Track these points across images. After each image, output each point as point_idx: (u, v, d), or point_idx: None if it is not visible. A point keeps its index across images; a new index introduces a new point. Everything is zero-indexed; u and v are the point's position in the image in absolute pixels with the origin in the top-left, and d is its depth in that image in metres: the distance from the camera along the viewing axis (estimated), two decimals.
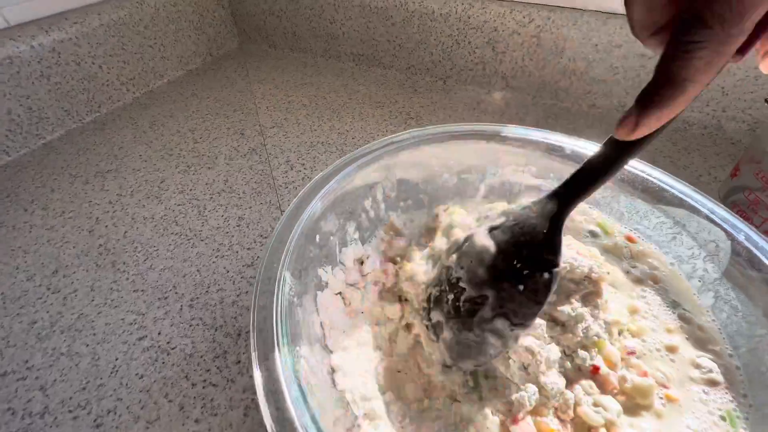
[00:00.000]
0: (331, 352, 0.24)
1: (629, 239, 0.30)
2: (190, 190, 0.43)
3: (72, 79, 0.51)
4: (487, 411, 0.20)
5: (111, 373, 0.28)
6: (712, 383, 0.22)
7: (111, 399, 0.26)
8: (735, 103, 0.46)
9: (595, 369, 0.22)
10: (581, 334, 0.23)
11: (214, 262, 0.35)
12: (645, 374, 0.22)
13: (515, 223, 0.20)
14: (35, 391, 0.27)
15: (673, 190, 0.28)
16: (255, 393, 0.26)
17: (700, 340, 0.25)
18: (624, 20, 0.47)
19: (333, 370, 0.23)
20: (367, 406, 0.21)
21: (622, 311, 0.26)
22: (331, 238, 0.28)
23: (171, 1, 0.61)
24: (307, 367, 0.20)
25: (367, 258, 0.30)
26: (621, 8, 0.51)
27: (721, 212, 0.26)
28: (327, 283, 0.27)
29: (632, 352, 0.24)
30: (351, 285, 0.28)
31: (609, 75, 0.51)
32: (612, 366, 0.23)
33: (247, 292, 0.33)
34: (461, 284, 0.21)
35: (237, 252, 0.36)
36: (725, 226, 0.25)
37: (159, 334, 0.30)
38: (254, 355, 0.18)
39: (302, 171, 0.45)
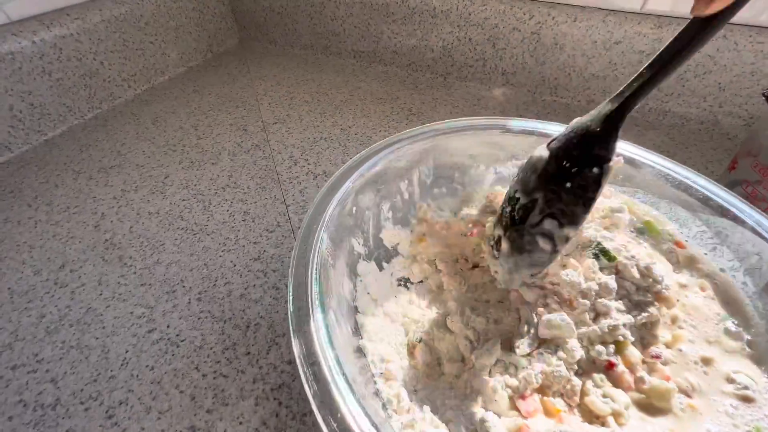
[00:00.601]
0: (357, 312, 0.26)
1: (678, 245, 0.27)
2: (195, 185, 0.43)
3: (73, 75, 0.51)
4: (497, 384, 0.21)
5: (121, 365, 0.28)
6: (746, 399, 0.21)
7: (122, 390, 0.27)
8: (731, 99, 0.47)
9: (610, 365, 0.22)
10: (605, 330, 0.22)
11: (220, 256, 0.35)
12: (667, 379, 0.21)
13: (571, 131, 0.20)
14: (46, 384, 0.27)
15: (717, 199, 0.27)
16: (265, 384, 0.26)
17: (745, 355, 0.23)
18: (623, 17, 0.47)
19: (357, 330, 0.24)
20: (384, 367, 0.22)
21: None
22: (366, 212, 0.29)
23: None
24: (334, 318, 0.21)
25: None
26: (621, 5, 0.52)
27: (767, 224, 0.24)
28: (359, 254, 0.28)
29: (657, 356, 0.22)
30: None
31: (608, 71, 0.51)
32: (630, 366, 0.22)
33: (254, 285, 0.33)
34: (516, 195, 0.21)
35: (243, 246, 0.36)
36: None
37: (168, 326, 0.30)
38: (290, 298, 0.20)
39: (306, 166, 0.45)
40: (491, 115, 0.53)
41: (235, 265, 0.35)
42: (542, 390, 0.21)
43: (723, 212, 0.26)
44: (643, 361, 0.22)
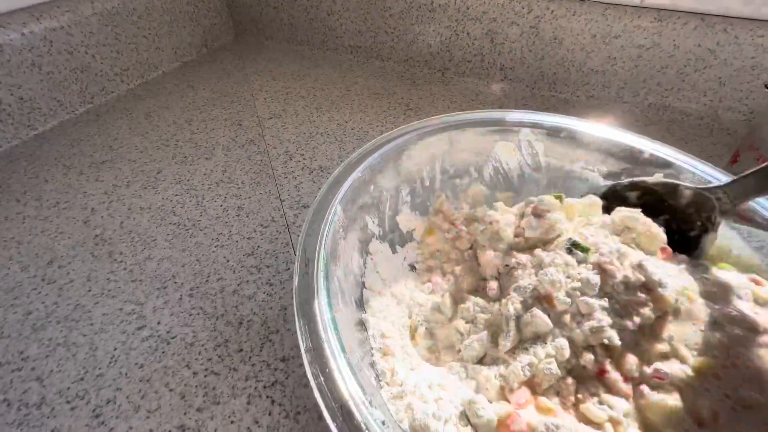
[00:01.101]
0: (365, 287, 0.26)
1: (755, 282, 0.23)
2: (188, 180, 0.42)
3: (64, 69, 0.50)
4: (490, 373, 0.20)
5: (110, 363, 0.27)
6: None
7: (110, 389, 0.26)
8: (732, 94, 0.47)
9: (601, 372, 0.20)
10: (588, 332, 0.20)
11: (213, 252, 0.35)
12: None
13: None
14: (31, 382, 0.26)
15: (764, 212, 0.24)
16: (258, 381, 0.26)
17: None
18: (623, 10, 0.47)
19: (362, 304, 0.24)
20: (383, 342, 0.22)
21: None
22: (385, 193, 0.29)
23: None
24: (338, 285, 0.21)
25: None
26: None
27: None
28: (373, 233, 0.28)
29: (659, 377, 0.19)
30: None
31: (607, 66, 0.51)
32: (624, 374, 0.20)
33: (248, 281, 0.32)
34: None
35: (237, 242, 0.35)
36: None
37: (158, 323, 0.29)
38: (297, 262, 0.21)
39: (302, 161, 0.44)
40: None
41: (228, 261, 0.34)
42: (533, 386, 0.20)
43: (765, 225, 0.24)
44: (645, 374, 0.20)
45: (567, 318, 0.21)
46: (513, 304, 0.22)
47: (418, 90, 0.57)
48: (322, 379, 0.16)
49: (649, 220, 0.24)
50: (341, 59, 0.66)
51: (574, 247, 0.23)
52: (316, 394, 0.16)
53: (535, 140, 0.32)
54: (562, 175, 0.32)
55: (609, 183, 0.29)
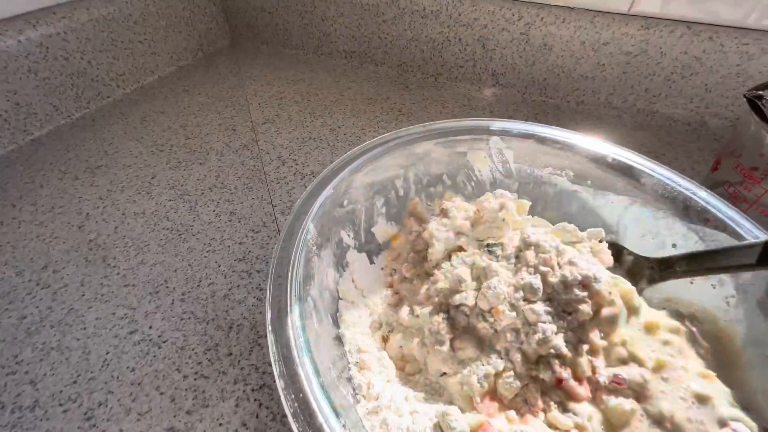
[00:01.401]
0: (340, 298, 0.26)
1: None
2: (182, 185, 0.43)
3: (60, 75, 0.50)
4: (456, 384, 0.21)
5: (102, 366, 0.28)
6: None
7: (102, 392, 0.26)
8: (718, 100, 0.48)
9: (559, 381, 0.20)
10: (534, 345, 0.20)
11: (205, 257, 0.35)
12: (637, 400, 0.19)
13: None
14: (25, 386, 0.27)
15: (716, 212, 0.26)
16: (246, 384, 0.26)
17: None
18: (611, 18, 0.48)
19: (338, 319, 0.25)
20: (359, 357, 0.23)
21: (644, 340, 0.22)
22: (359, 206, 0.30)
23: None
24: (312, 305, 0.22)
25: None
26: (608, 6, 0.52)
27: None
28: (348, 246, 0.29)
29: (618, 382, 0.20)
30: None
31: (596, 72, 0.51)
32: (579, 378, 0.20)
33: (238, 286, 0.33)
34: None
35: (229, 246, 0.36)
36: None
37: (150, 327, 0.30)
38: (269, 285, 0.21)
39: (294, 167, 0.45)
40: (481, 116, 0.53)
41: (219, 266, 0.34)
42: (499, 398, 0.20)
43: (722, 227, 0.25)
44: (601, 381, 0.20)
45: (514, 332, 0.21)
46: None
47: (410, 95, 0.58)
48: (296, 405, 0.16)
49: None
50: (335, 64, 0.67)
51: (493, 246, 0.25)
52: (291, 421, 0.16)
53: (505, 148, 0.33)
54: (532, 181, 0.33)
55: None
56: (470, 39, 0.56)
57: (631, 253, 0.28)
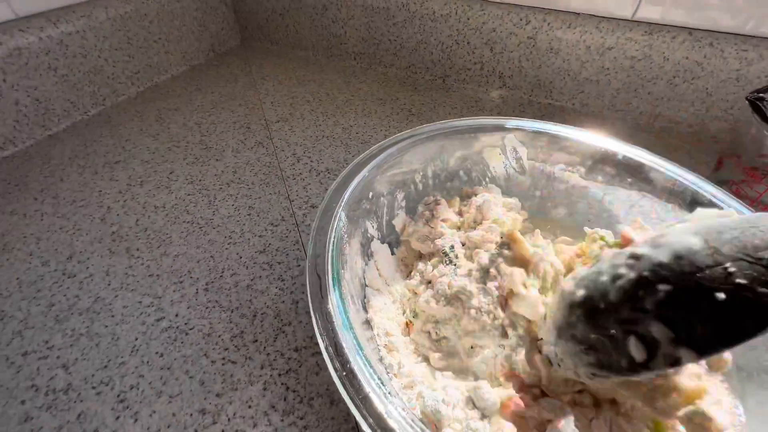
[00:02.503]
0: (367, 286, 0.27)
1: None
2: (200, 180, 0.44)
3: (78, 72, 0.51)
4: (482, 365, 0.22)
5: (131, 352, 0.29)
6: None
7: (133, 376, 0.27)
8: (718, 104, 0.49)
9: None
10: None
11: (226, 249, 0.36)
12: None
13: None
14: (57, 369, 0.28)
15: (725, 207, 0.27)
16: (273, 369, 0.27)
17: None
18: (615, 24, 0.49)
19: (365, 304, 0.26)
20: (387, 340, 0.24)
21: None
22: (382, 198, 0.31)
23: None
24: (348, 290, 0.23)
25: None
26: (613, 12, 0.54)
27: None
28: (372, 237, 0.30)
29: None
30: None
31: (601, 76, 0.53)
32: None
33: (260, 276, 0.34)
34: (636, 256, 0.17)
35: (249, 239, 0.37)
36: None
37: (176, 315, 0.31)
38: (308, 267, 0.22)
39: (309, 163, 0.46)
40: (491, 116, 0.55)
41: (241, 258, 0.35)
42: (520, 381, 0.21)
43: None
44: None
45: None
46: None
47: (420, 96, 0.59)
48: (344, 374, 0.17)
49: None
50: (345, 65, 0.68)
51: (450, 250, 0.27)
52: (341, 389, 0.17)
53: (519, 144, 0.34)
54: (545, 177, 0.34)
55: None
56: (478, 42, 0.58)
57: None
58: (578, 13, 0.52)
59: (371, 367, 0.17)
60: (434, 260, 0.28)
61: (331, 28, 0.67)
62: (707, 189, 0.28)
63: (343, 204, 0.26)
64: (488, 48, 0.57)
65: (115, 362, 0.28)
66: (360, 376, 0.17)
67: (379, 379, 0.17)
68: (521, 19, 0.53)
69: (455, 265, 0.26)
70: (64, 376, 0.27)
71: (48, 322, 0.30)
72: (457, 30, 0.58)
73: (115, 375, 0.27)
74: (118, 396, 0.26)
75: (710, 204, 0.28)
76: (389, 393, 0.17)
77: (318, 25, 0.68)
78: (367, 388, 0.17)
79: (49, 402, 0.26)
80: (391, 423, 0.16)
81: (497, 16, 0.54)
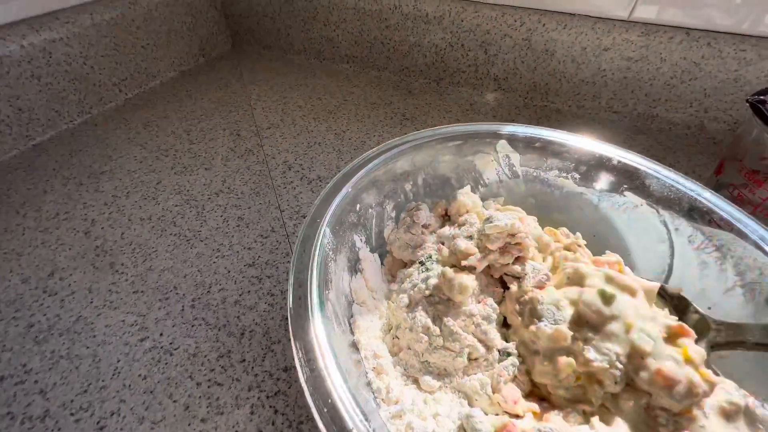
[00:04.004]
0: (353, 302, 0.26)
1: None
2: (188, 190, 0.43)
3: (63, 80, 0.50)
4: (476, 383, 0.21)
5: (113, 375, 0.27)
6: None
7: (114, 401, 0.26)
8: (716, 105, 0.48)
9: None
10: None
11: (214, 262, 0.35)
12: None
13: None
14: (35, 395, 0.26)
15: (721, 212, 0.26)
16: (261, 391, 0.26)
17: None
18: (611, 24, 0.49)
19: (352, 324, 0.25)
20: (376, 362, 0.23)
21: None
22: (370, 210, 0.30)
23: (163, 2, 0.60)
24: (332, 310, 0.22)
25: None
26: (608, 13, 0.53)
27: None
28: (359, 249, 0.29)
29: None
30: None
31: (597, 77, 0.52)
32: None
33: (249, 291, 0.33)
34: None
35: (238, 252, 0.36)
36: None
37: (161, 334, 0.30)
38: (290, 290, 0.21)
39: (300, 171, 0.45)
40: (484, 120, 0.54)
41: (229, 272, 0.34)
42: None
43: (728, 227, 0.26)
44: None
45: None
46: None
47: (414, 99, 0.58)
48: (325, 410, 0.16)
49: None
50: (338, 69, 0.67)
51: (427, 259, 0.27)
52: (321, 428, 0.16)
53: (512, 151, 0.33)
54: (539, 183, 0.33)
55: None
56: (473, 44, 0.57)
57: (697, 311, 0.24)
58: (573, 14, 0.51)
59: (355, 400, 0.16)
60: (410, 269, 0.27)
61: (323, 32, 0.66)
62: (705, 196, 0.28)
63: (327, 219, 0.25)
64: (482, 50, 0.56)
65: (95, 386, 0.27)
66: (342, 411, 0.16)
67: (363, 413, 0.16)
68: (516, 21, 0.52)
69: (428, 271, 0.25)
70: (42, 403, 0.26)
71: (27, 343, 0.29)
72: (451, 32, 0.57)
73: (95, 400, 0.26)
74: (98, 423, 0.25)
75: (708, 212, 0.27)
76: (374, 430, 0.16)
77: (309, 28, 0.67)
78: (350, 425, 0.15)
79: (25, 431, 0.25)
80: None
81: (491, 18, 0.54)
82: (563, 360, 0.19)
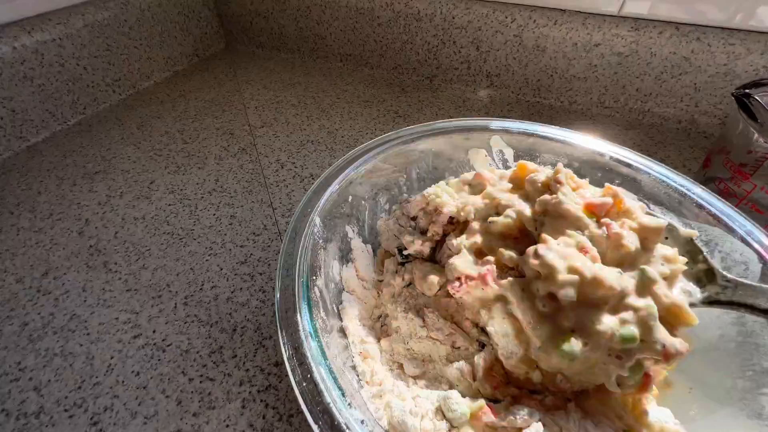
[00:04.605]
0: (343, 290, 0.27)
1: None
2: (181, 189, 0.43)
3: (56, 81, 0.50)
4: (455, 371, 0.21)
5: (106, 371, 0.28)
6: None
7: (107, 397, 0.26)
8: (707, 99, 0.49)
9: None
10: None
11: (207, 260, 0.35)
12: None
13: None
14: (29, 392, 0.27)
15: (711, 208, 0.26)
16: (252, 386, 0.27)
17: None
18: (601, 20, 0.49)
19: (341, 312, 0.25)
20: (362, 348, 0.23)
21: None
22: (363, 202, 0.30)
23: (156, 2, 0.60)
24: (319, 296, 0.22)
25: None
26: (599, 8, 0.53)
27: (757, 234, 0.24)
28: (351, 239, 0.29)
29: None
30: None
31: (588, 72, 0.52)
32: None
33: (241, 288, 0.33)
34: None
35: (230, 250, 0.36)
36: (758, 248, 0.24)
37: (154, 332, 0.30)
38: (278, 274, 0.22)
39: (293, 170, 0.45)
40: (476, 116, 0.54)
41: (221, 269, 0.35)
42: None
43: (716, 220, 0.26)
44: None
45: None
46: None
47: (406, 97, 0.59)
48: (305, 385, 0.17)
49: None
50: (331, 67, 0.67)
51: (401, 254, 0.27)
52: (300, 400, 0.17)
53: (505, 146, 0.33)
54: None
55: None
56: (464, 41, 0.57)
57: (706, 260, 0.23)
58: (564, 10, 0.51)
59: (334, 376, 0.17)
60: (390, 259, 0.27)
61: (316, 30, 0.66)
62: (695, 191, 0.28)
63: (318, 209, 0.25)
64: (474, 47, 0.57)
65: (89, 383, 0.27)
66: (321, 386, 0.16)
67: (341, 390, 0.16)
68: (507, 17, 0.53)
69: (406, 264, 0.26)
70: (36, 399, 0.26)
71: (21, 342, 0.30)
72: (443, 29, 0.57)
73: (88, 396, 0.26)
74: (92, 419, 0.25)
75: (698, 207, 0.27)
76: (350, 404, 0.16)
77: (302, 26, 0.67)
78: (328, 399, 0.16)
79: (20, 427, 0.25)
80: None
81: (482, 15, 0.54)
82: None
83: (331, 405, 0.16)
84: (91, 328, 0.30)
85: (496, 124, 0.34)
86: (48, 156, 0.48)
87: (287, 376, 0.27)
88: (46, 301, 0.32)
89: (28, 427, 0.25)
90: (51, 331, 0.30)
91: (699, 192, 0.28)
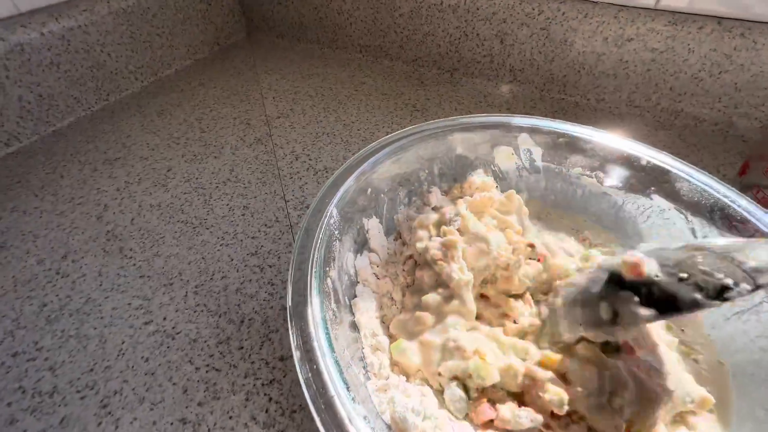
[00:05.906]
0: (357, 282, 0.26)
1: None
2: (197, 178, 0.43)
3: (81, 67, 0.51)
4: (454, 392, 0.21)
5: (118, 355, 0.28)
6: None
7: (117, 380, 0.27)
8: (747, 100, 0.45)
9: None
10: None
11: (218, 250, 0.36)
12: None
13: None
14: (45, 371, 0.28)
15: (758, 223, 0.24)
16: (257, 379, 0.27)
17: None
18: (636, 13, 0.46)
19: (353, 306, 0.25)
20: (374, 341, 0.23)
21: None
22: (382, 195, 0.30)
23: None
24: (332, 288, 0.22)
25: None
26: (633, 1, 0.50)
27: None
28: (368, 230, 0.29)
29: None
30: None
31: (619, 69, 0.50)
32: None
33: (250, 280, 0.33)
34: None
35: (241, 240, 0.36)
36: None
37: (164, 319, 0.31)
38: (292, 263, 0.22)
39: (307, 162, 0.45)
40: (498, 113, 0.52)
41: (232, 260, 0.35)
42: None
43: (761, 236, 0.24)
44: None
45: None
46: None
47: (425, 90, 0.57)
48: (310, 375, 0.17)
49: None
50: (350, 58, 0.66)
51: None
52: (305, 390, 0.17)
53: (534, 145, 0.32)
54: (560, 180, 0.32)
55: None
56: (488, 34, 0.55)
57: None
58: (596, 2, 0.48)
59: (339, 369, 0.17)
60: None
61: (336, 20, 0.65)
62: (740, 203, 0.25)
63: (336, 201, 0.25)
64: (498, 40, 0.55)
65: (101, 366, 0.28)
66: (326, 377, 0.16)
67: (345, 383, 0.16)
68: (533, 9, 0.50)
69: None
70: (51, 379, 0.27)
71: (39, 322, 0.31)
72: (466, 21, 0.55)
73: (100, 379, 0.27)
74: (102, 401, 0.26)
75: (742, 221, 0.25)
76: (354, 399, 0.16)
77: (323, 16, 0.66)
78: (332, 392, 0.16)
79: (34, 405, 0.26)
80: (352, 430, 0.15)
81: (508, 6, 0.51)
82: None
83: (335, 398, 0.16)
84: (105, 312, 0.31)
85: (525, 121, 0.32)
86: (72, 141, 0.49)
87: (291, 371, 0.27)
88: (64, 283, 0.33)
89: (42, 405, 0.26)
90: (67, 313, 0.31)
91: (745, 204, 0.25)
